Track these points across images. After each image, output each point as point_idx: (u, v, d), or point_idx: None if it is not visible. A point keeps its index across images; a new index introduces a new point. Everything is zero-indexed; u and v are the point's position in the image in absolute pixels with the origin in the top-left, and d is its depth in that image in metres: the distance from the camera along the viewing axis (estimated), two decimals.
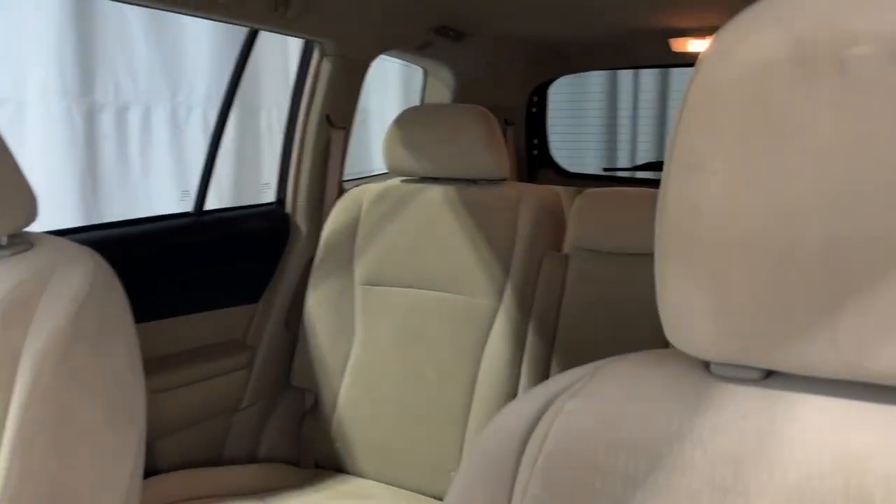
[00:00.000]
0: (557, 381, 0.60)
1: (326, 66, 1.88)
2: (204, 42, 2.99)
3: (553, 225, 1.79)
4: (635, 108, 4.26)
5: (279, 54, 3.22)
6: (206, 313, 1.79)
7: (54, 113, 2.58)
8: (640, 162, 4.16)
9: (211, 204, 1.85)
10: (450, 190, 1.82)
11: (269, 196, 2.06)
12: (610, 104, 4.32)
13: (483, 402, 1.70)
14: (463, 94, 2.47)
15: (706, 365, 0.54)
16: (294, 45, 3.20)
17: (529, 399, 0.59)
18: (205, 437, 1.80)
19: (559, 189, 2.00)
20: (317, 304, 1.88)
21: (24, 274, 0.81)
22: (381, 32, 1.97)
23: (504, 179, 1.83)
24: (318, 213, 1.99)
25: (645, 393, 0.54)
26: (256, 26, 1.65)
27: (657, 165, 3.42)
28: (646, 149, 4.23)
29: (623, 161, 4.24)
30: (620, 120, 4.30)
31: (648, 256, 1.84)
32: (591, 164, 4.19)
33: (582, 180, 2.98)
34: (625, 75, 4.23)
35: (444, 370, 1.75)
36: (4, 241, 0.85)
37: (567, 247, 1.78)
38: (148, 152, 2.88)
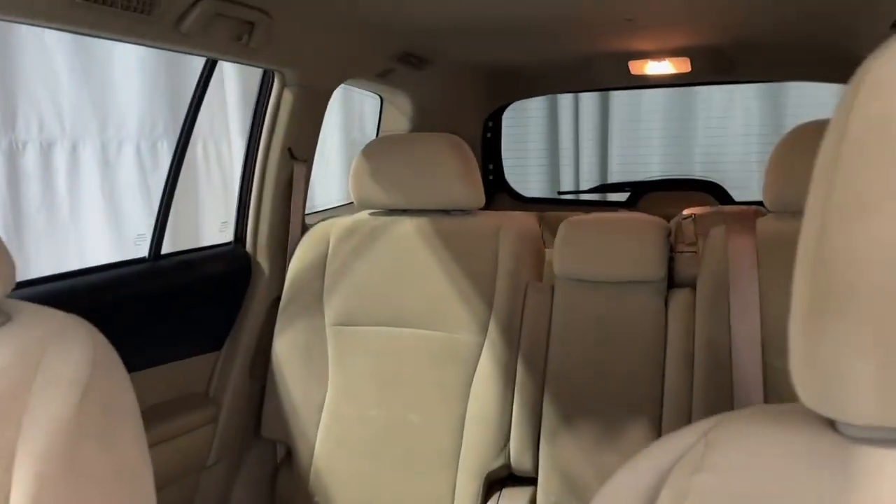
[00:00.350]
0: (664, 449, 0.53)
1: (288, 97, 1.78)
2: (134, 73, 2.82)
3: (534, 254, 1.74)
4: (577, 131, 4.29)
5: (215, 81, 3.07)
6: (164, 366, 1.65)
7: None
8: (584, 184, 4.20)
9: (139, 249, 1.69)
10: (422, 222, 1.74)
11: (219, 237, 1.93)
12: (551, 128, 4.34)
13: (473, 444, 1.62)
14: (421, 121, 2.41)
15: (830, 423, 0.49)
16: (230, 71, 3.06)
17: (635, 474, 0.53)
18: (170, 499, 1.65)
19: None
20: (285, 348, 1.77)
21: (7, 356, 0.67)
22: (344, 61, 1.89)
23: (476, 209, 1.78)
24: (282, 251, 1.88)
25: (778, 461, 0.49)
26: (218, 57, 1.54)
27: (609, 187, 3.46)
28: (589, 171, 4.27)
29: (567, 184, 4.27)
30: (562, 143, 4.33)
31: (635, 284, 1.78)
32: (535, 188, 4.19)
33: (537, 204, 2.96)
34: (565, 98, 4.26)
35: (428, 413, 1.65)
36: None
37: (550, 276, 1.73)
38: (77, 192, 2.69)
